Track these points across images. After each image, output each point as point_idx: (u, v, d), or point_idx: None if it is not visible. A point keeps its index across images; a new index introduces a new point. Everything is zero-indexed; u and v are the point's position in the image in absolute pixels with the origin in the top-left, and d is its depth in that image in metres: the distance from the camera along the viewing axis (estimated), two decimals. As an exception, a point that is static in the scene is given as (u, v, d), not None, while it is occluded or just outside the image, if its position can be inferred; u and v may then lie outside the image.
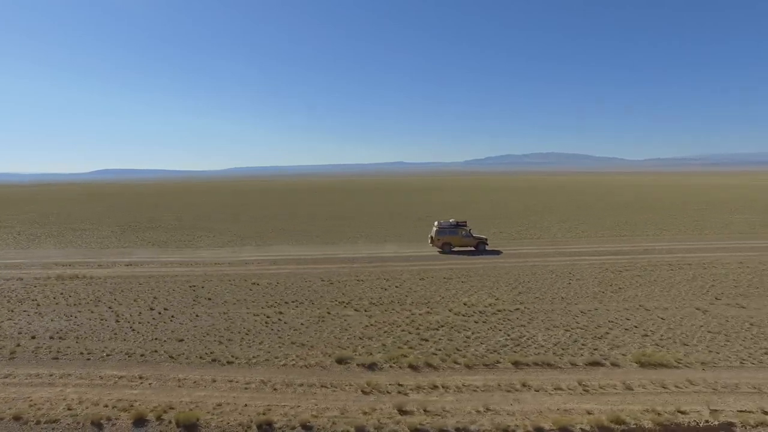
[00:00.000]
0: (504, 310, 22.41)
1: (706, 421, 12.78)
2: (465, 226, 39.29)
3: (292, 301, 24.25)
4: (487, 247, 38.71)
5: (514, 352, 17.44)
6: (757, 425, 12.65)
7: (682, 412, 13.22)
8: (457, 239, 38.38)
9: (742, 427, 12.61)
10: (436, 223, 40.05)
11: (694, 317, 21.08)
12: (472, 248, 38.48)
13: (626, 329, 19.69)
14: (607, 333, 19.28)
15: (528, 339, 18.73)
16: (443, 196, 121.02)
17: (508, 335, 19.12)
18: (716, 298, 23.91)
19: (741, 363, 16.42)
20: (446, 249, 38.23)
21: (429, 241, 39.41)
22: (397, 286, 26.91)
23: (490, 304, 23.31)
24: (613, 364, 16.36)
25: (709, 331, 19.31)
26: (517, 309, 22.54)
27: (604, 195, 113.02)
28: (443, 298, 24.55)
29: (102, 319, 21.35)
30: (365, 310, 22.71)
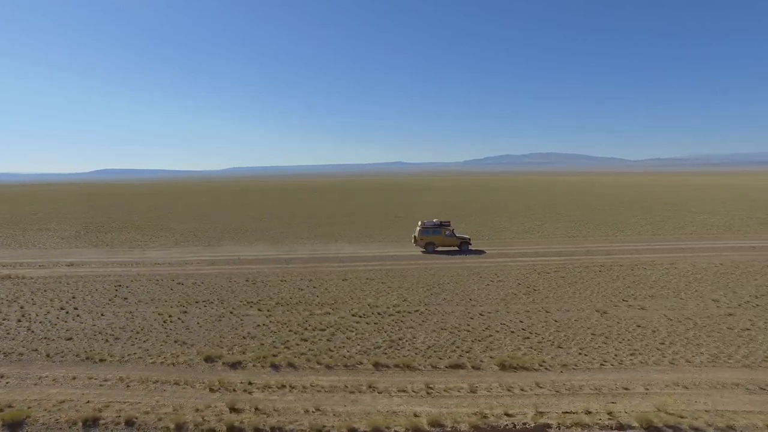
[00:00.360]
0: (404, 311, 22.55)
1: (524, 424, 12.86)
2: (448, 226, 39.41)
3: (204, 301, 24.59)
4: (471, 247, 38.89)
5: (384, 353, 17.59)
6: (572, 425, 12.77)
7: (509, 415, 13.30)
8: (440, 239, 38.54)
9: (557, 428, 12.70)
10: (419, 222, 40.18)
11: (588, 319, 21.07)
12: (456, 248, 38.66)
13: (513, 332, 19.75)
14: (491, 336, 19.37)
15: (407, 341, 18.85)
16: (428, 196, 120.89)
17: (390, 337, 19.25)
18: (623, 300, 23.87)
19: (601, 365, 16.44)
20: (430, 249, 38.38)
21: (412, 240, 39.48)
22: (314, 287, 27.15)
23: (393, 305, 23.44)
24: (474, 367, 16.44)
25: (593, 334, 19.32)
26: (417, 310, 22.69)
27: (589, 195, 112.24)
28: (352, 298, 24.74)
29: (4, 319, 21.75)
30: (268, 310, 22.97)
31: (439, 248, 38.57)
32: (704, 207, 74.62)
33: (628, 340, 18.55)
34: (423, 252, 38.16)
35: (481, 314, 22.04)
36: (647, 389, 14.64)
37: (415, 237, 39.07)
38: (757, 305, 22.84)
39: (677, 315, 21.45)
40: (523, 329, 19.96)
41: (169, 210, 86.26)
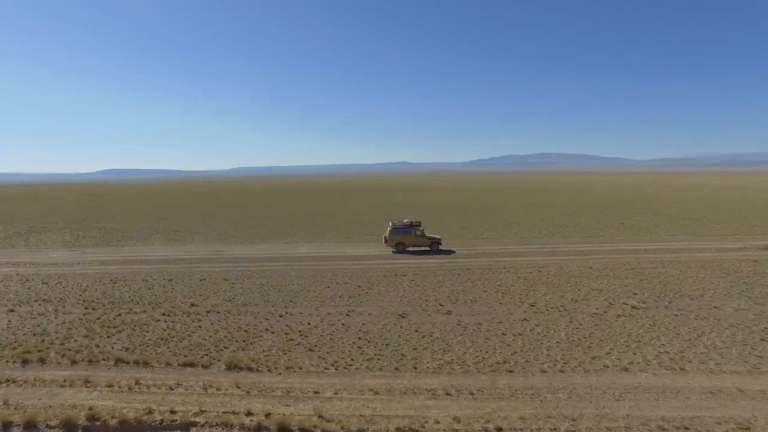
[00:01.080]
0: (215, 311, 23.25)
1: (172, 421, 13.45)
2: (419, 226, 39.73)
3: (43, 300, 25.64)
4: (441, 247, 39.30)
5: (141, 351, 18.32)
6: (216, 425, 13.26)
7: (173, 412, 13.93)
8: (410, 239, 38.92)
9: (201, 426, 13.21)
10: (390, 223, 40.61)
11: (377, 323, 21.27)
12: (426, 248, 39.08)
13: (287, 333, 20.23)
14: (261, 336, 19.91)
15: (178, 339, 19.54)
16: (399, 196, 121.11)
17: (168, 335, 19.94)
18: (440, 304, 24.00)
19: (326, 369, 16.78)
20: (400, 249, 38.76)
21: (383, 241, 39.94)
22: (164, 286, 28.10)
23: (213, 305, 24.20)
24: (204, 366, 17.06)
25: (358, 338, 19.62)
26: (228, 311, 23.35)
27: (573, 195, 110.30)
28: (183, 297, 25.59)
29: None
30: (93, 309, 23.93)
31: (410, 248, 39.03)
32: (655, 207, 72.74)
33: (386, 345, 18.79)
34: (393, 252, 38.63)
35: (281, 315, 22.60)
36: (336, 393, 15.01)
37: (385, 237, 39.45)
38: (565, 309, 22.79)
39: (472, 320, 21.56)
40: (300, 332, 20.40)
41: (135, 211, 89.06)
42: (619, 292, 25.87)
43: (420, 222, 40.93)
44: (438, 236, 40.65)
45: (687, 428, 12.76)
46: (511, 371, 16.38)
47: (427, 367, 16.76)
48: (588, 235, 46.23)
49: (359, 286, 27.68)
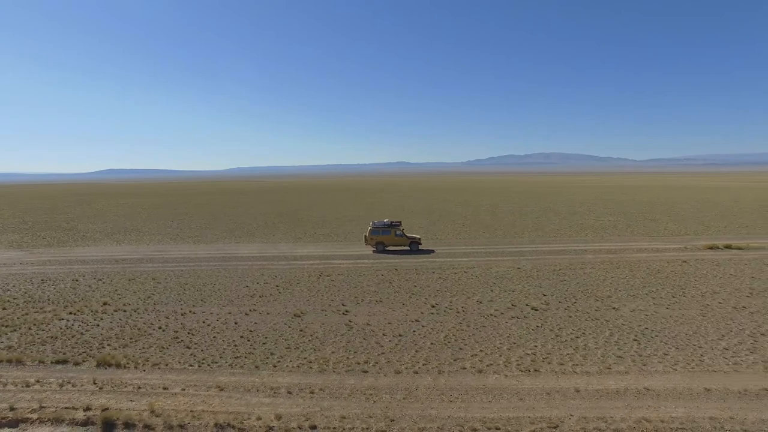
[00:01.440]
0: (121, 310, 23.76)
1: (3, 418, 13.91)
2: (399, 226, 40.06)
3: (-34, 298, 26.59)
4: (420, 246, 39.69)
5: (24, 350, 18.78)
6: (48, 420, 13.71)
7: (13, 409, 14.33)
8: (390, 238, 39.29)
9: (33, 422, 13.71)
10: (371, 223, 41.11)
11: (268, 323, 21.63)
12: (406, 247, 39.45)
13: (175, 332, 20.68)
14: (151, 334, 20.38)
15: (67, 337, 19.99)
16: (375, 196, 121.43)
17: (63, 333, 20.41)
18: (343, 305, 24.26)
19: (189, 366, 17.20)
20: (379, 248, 39.14)
21: (364, 240, 40.43)
22: (89, 286, 28.64)
23: (124, 304, 24.71)
24: (75, 364, 17.51)
25: (241, 336, 20.00)
26: (135, 309, 23.83)
27: (526, 197, 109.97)
28: (102, 296, 26.11)
29: None
30: (4, 309, 24.47)
31: (390, 247, 39.43)
32: (624, 208, 72.34)
33: (262, 344, 19.13)
34: (374, 251, 39.09)
35: (183, 314, 23.05)
36: (183, 390, 15.39)
37: (365, 236, 39.89)
38: (464, 311, 23.04)
39: (363, 321, 21.85)
40: (190, 330, 20.83)
41: (114, 212, 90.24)
42: (531, 293, 26.03)
43: (400, 222, 41.23)
44: (418, 236, 40.87)
45: (498, 428, 13.01)
46: (365, 371, 16.65)
47: (287, 366, 17.10)
48: (539, 236, 46.32)
49: (277, 286, 28.08)
